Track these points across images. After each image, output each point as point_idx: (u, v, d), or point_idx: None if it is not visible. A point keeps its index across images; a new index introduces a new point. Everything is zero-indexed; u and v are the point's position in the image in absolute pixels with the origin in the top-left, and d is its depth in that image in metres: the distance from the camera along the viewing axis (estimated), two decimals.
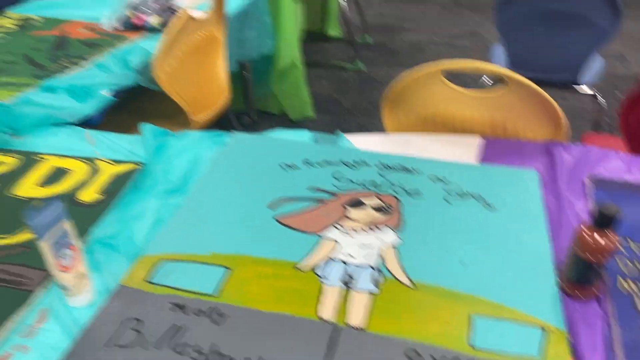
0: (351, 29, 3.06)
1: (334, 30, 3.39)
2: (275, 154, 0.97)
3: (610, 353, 0.62)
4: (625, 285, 0.70)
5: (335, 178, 0.91)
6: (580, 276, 0.68)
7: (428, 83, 1.04)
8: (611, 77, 2.83)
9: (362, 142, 1.04)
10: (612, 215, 0.63)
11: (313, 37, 3.36)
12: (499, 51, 1.89)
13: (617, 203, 0.84)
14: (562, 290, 0.70)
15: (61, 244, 0.64)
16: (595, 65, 1.83)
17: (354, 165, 0.94)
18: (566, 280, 0.69)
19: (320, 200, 0.86)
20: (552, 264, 0.73)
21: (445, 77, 1.07)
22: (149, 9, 1.58)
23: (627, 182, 0.90)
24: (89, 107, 1.14)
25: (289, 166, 0.94)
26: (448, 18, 3.86)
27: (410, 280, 0.71)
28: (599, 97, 1.88)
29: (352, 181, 0.90)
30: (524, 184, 0.89)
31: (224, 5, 1.51)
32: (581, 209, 0.85)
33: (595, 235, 0.65)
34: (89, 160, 0.96)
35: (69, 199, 0.86)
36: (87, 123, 1.13)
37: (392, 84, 1.09)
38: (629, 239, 0.77)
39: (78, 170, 0.93)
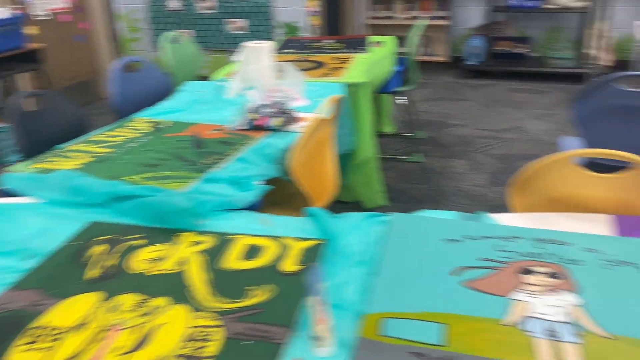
0: (407, 125, 3.30)
1: (388, 127, 3.66)
2: (436, 230, 1.11)
3: None
4: None
5: (497, 250, 1.04)
6: None
7: (558, 168, 1.20)
8: None
9: (503, 219, 1.18)
10: None
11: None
12: (573, 142, 2.07)
13: None
14: None
15: (320, 301, 0.77)
16: None
17: (510, 239, 1.07)
18: None
19: (493, 269, 0.98)
20: None
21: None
22: (268, 112, 1.81)
23: None
24: (251, 195, 1.31)
25: (453, 240, 1.08)
26: (487, 114, 4.14)
27: (606, 332, 0.81)
28: None
29: (514, 252, 1.03)
30: None
31: (339, 108, 1.73)
32: None
33: None
34: (275, 238, 1.11)
35: (272, 269, 1.00)
36: (249, 209, 1.30)
37: (520, 171, 1.25)
38: None
39: (270, 246, 1.08)
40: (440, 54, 5.46)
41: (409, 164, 3.25)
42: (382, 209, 2.66)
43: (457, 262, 1.00)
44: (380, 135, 3.61)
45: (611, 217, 1.16)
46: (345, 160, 2.53)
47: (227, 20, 4.58)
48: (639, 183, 1.15)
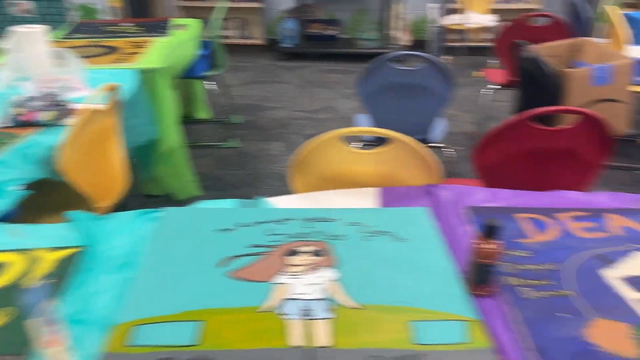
0: (218, 111, 3.24)
1: (202, 112, 3.55)
2: (209, 221, 1.07)
3: (510, 330, 0.82)
4: (510, 280, 0.92)
5: (268, 235, 1.04)
6: (481, 278, 0.88)
7: (328, 148, 1.24)
8: (450, 134, 3.34)
9: (280, 202, 1.19)
10: (495, 227, 0.86)
11: (183, 121, 3.48)
12: (363, 119, 2.20)
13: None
14: (471, 292, 0.90)
15: (47, 321, 0.68)
16: (439, 125, 2.22)
17: (281, 222, 1.08)
18: (471, 283, 0.90)
19: (260, 254, 0.98)
20: (457, 274, 0.93)
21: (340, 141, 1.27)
22: (37, 105, 1.60)
23: (495, 207, 1.16)
24: (2, 204, 1.14)
25: (226, 230, 1.05)
26: (302, 96, 4.25)
27: (357, 302, 0.85)
28: (446, 150, 2.26)
29: (283, 235, 1.04)
30: (420, 218, 1.11)
31: (118, 96, 1.60)
32: (466, 231, 1.08)
33: (486, 244, 0.87)
34: (24, 251, 0.97)
35: (14, 289, 0.87)
36: (3, 219, 1.13)
37: (296, 152, 1.27)
38: (506, 249, 1.01)
39: (16, 262, 0.94)
40: (256, 37, 5.45)
41: (225, 150, 3.20)
42: (195, 199, 2.57)
43: (227, 253, 0.98)
44: (194, 122, 3.50)
45: (377, 189, 1.24)
46: (148, 151, 2.38)
47: (10, 2, 4.02)
48: (397, 155, 1.24)
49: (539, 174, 1.45)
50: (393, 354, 0.76)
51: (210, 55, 3.10)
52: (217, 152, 3.17)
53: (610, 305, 0.86)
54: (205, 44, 3.02)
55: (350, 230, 1.06)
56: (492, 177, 1.45)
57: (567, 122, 1.44)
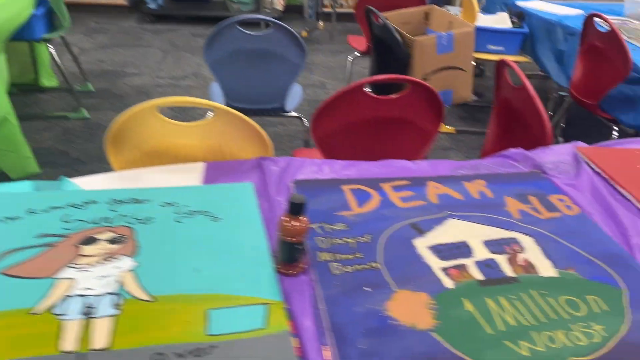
0: (68, 78, 2.94)
1: (48, 80, 3.20)
2: None
3: (316, 309, 0.79)
4: (323, 257, 0.89)
5: (65, 221, 0.92)
6: (288, 256, 0.84)
7: (145, 119, 1.13)
8: (316, 102, 3.33)
9: (90, 183, 1.06)
10: (299, 203, 0.81)
11: (26, 89, 3.12)
12: (217, 87, 2.09)
13: (313, 197, 1.06)
14: (278, 271, 0.86)
15: None
16: (296, 93, 2.17)
17: (82, 206, 0.96)
18: (279, 262, 0.85)
19: (49, 245, 0.86)
20: (269, 254, 0.88)
21: (169, 113, 1.16)
22: None
23: (321, 180, 1.13)
24: None
25: (11, 218, 0.91)
26: (167, 61, 4.00)
27: (150, 295, 0.77)
28: (303, 119, 2.23)
29: (82, 221, 0.92)
30: (242, 195, 1.04)
31: None
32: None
33: (292, 221, 0.83)
34: None
35: None
36: None
37: (111, 125, 1.14)
38: (323, 223, 0.98)
39: None
40: None
41: (74, 122, 2.91)
42: (34, 178, 2.32)
43: (8, 246, 0.85)
44: (39, 90, 3.15)
45: (203, 164, 1.16)
46: None
47: None
48: (224, 128, 1.16)
49: (377, 143, 1.45)
50: (181, 349, 0.69)
51: (48, 14, 2.76)
52: (63, 123, 2.87)
53: (416, 275, 0.86)
54: (41, 1, 2.68)
55: (162, 212, 0.97)
56: (331, 148, 1.43)
57: (402, 91, 1.45)
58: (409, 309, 0.80)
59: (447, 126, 3.17)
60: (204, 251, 0.88)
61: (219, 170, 1.14)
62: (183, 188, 1.05)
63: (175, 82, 3.61)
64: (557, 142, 3.11)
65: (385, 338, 0.74)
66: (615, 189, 1.17)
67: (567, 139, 3.16)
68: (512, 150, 1.30)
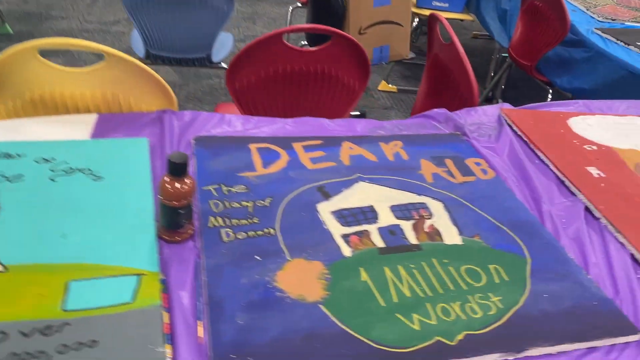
0: None
1: None
2: None
3: (197, 280, 0.72)
4: (215, 222, 0.82)
5: None
6: (170, 222, 0.76)
7: (26, 63, 1.00)
8: None
9: None
10: (179, 163, 0.73)
11: None
12: (137, 34, 1.93)
13: (215, 156, 0.97)
14: (161, 238, 0.77)
15: None
16: (224, 43, 2.04)
17: None
18: (162, 228, 0.77)
19: None
20: (153, 218, 0.80)
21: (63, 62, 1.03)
22: None
23: (224, 137, 1.04)
24: None
25: None
26: (97, 4, 3.72)
27: (1, 264, 0.68)
28: None
29: None
30: (133, 152, 0.94)
31: None
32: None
33: (175, 183, 0.74)
34: None
35: None
36: None
37: None
38: (222, 185, 0.90)
39: None
40: None
41: None
42: None
43: None
44: None
45: (94, 116, 1.04)
46: None
47: None
48: (120, 76, 1.05)
49: (299, 99, 1.37)
50: (28, 326, 0.61)
51: None
52: None
53: (313, 242, 0.80)
54: None
55: (36, 169, 0.86)
56: (249, 102, 1.33)
57: (325, 44, 1.36)
58: (300, 279, 0.73)
59: (388, 84, 3.10)
60: (78, 215, 0.78)
61: (112, 123, 1.03)
62: (65, 142, 0.94)
63: (105, 28, 3.36)
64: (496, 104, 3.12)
65: (268, 312, 0.68)
66: (534, 153, 1.14)
67: (506, 101, 3.17)
68: (435, 111, 1.25)
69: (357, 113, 2.76)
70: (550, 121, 1.24)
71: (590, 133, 1.23)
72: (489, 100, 3.13)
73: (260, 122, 1.13)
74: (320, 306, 0.70)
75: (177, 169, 0.73)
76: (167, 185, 0.74)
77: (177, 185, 0.74)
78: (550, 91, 2.40)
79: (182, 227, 0.77)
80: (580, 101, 1.42)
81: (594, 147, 1.17)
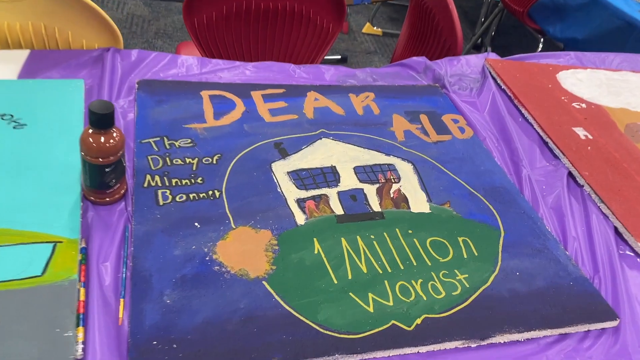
0: None
1: None
2: None
3: (124, 250, 0.63)
4: (151, 181, 0.72)
5: None
6: (96, 181, 0.66)
7: None
8: None
9: None
10: (102, 114, 0.62)
11: None
12: None
13: (160, 103, 0.86)
14: (87, 199, 0.68)
15: None
16: None
17: None
18: (87, 188, 0.67)
19: None
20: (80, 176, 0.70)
21: None
22: None
23: (173, 81, 0.92)
24: None
25: None
26: None
27: None
28: None
29: None
30: (65, 95, 0.83)
31: None
32: (126, 111, 0.84)
33: (101, 137, 0.63)
34: None
35: None
36: None
37: None
38: (165, 137, 0.79)
39: None
40: None
41: None
42: None
43: None
44: None
45: (26, 52, 0.91)
46: None
47: None
48: (53, 6, 0.91)
49: (266, 41, 1.24)
50: None
51: None
52: None
53: (263, 208, 0.71)
54: None
55: None
56: (209, 42, 1.20)
57: None
58: (243, 251, 0.65)
59: (373, 27, 2.94)
60: None
61: (46, 61, 0.90)
62: None
63: None
64: (484, 52, 2.99)
65: (202, 290, 0.59)
66: (518, 110, 1.04)
67: (495, 49, 3.04)
68: (414, 59, 1.13)
69: (338, 57, 2.62)
70: (538, 74, 1.14)
71: (580, 89, 1.13)
72: (477, 48, 2.99)
73: (218, 65, 1.01)
74: (264, 283, 0.61)
75: (100, 121, 0.62)
76: (89, 139, 0.63)
77: (102, 139, 0.63)
78: (542, 40, 2.27)
79: (110, 187, 0.67)
80: (572, 53, 1.31)
81: (583, 105, 1.08)
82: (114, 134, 0.64)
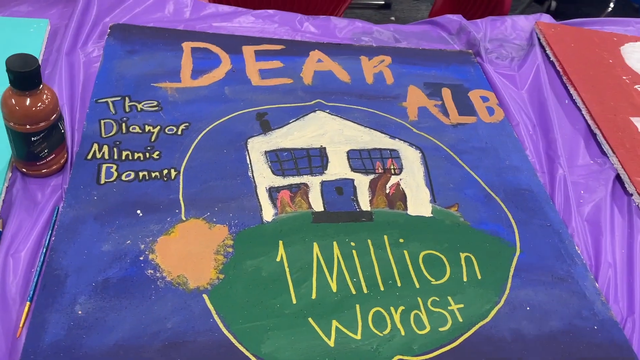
0: None
1: None
2: None
3: (45, 235, 0.52)
4: (97, 152, 0.60)
5: None
6: (24, 151, 0.55)
7: None
8: None
9: None
10: (23, 72, 0.50)
11: None
12: None
13: (130, 55, 0.73)
14: (19, 170, 0.57)
15: None
16: None
17: None
18: (15, 157, 0.57)
19: None
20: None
21: None
22: None
23: (151, 28, 0.79)
24: None
25: None
26: None
27: None
28: None
29: None
30: (23, 36, 0.71)
31: None
32: (91, 61, 0.72)
33: (26, 99, 0.52)
34: None
35: None
36: None
37: None
38: (127, 97, 0.67)
39: None
40: None
41: None
42: None
43: None
44: None
45: None
46: None
47: None
48: None
49: None
50: None
51: None
52: None
53: (225, 196, 0.59)
54: None
55: None
56: None
57: None
58: (188, 252, 0.53)
59: None
60: None
61: None
62: None
63: None
64: (547, 10, 2.67)
65: (125, 300, 0.48)
66: (566, 89, 0.86)
67: (561, 5, 2.72)
68: (449, 17, 0.95)
69: (381, 2, 2.39)
70: (598, 45, 0.94)
71: None
72: (540, 2, 2.69)
73: (213, 10, 0.87)
74: (204, 297, 0.50)
75: (20, 80, 0.50)
76: (11, 101, 0.52)
77: (28, 102, 0.52)
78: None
79: (42, 158, 0.56)
80: None
81: None
82: (44, 96, 0.53)
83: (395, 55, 0.84)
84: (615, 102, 0.83)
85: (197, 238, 0.55)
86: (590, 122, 0.80)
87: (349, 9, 2.35)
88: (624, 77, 0.88)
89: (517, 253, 0.60)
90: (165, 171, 0.60)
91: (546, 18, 1.01)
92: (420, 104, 0.77)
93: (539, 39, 0.94)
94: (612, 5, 1.97)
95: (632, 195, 0.70)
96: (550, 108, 0.81)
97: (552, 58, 0.90)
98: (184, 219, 0.56)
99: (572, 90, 0.85)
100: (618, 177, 0.73)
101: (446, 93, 0.79)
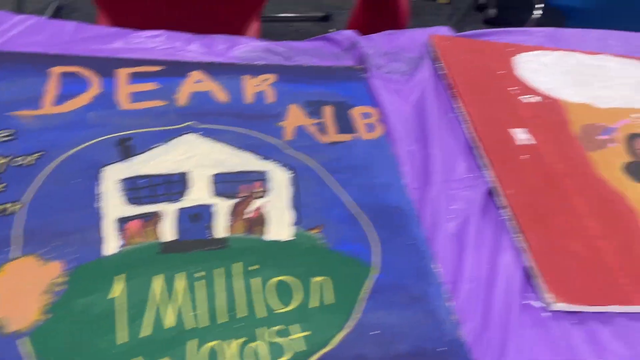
0: None
1: None
2: None
3: None
4: None
5: None
6: None
7: None
8: None
9: None
10: None
11: None
12: None
13: None
14: None
15: None
16: None
17: None
18: None
19: None
20: None
21: None
22: None
23: (18, 53, 0.76)
24: None
25: None
26: None
27: None
28: None
29: None
30: None
31: None
32: None
33: None
34: None
35: None
36: None
37: None
38: None
39: None
40: None
41: None
42: None
43: None
44: None
45: None
46: None
47: None
48: None
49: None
50: None
51: None
52: None
53: (68, 229, 0.57)
54: None
55: None
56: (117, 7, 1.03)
57: None
58: (15, 291, 0.51)
59: None
60: None
61: None
62: None
63: None
64: (486, 15, 2.72)
65: None
66: (452, 100, 0.87)
67: (501, 11, 2.77)
68: (343, 32, 0.95)
69: (321, 15, 2.40)
70: (489, 56, 0.95)
71: (540, 77, 0.94)
72: (480, 9, 2.74)
73: (97, 33, 0.85)
74: (24, 340, 0.48)
75: None
76: None
77: None
78: (542, 6, 2.02)
79: None
80: (547, 29, 1.11)
81: (538, 99, 0.89)
82: None
83: (283, 72, 0.83)
84: (498, 113, 0.83)
85: (27, 276, 0.52)
86: (470, 135, 0.80)
87: (288, 21, 2.35)
88: (511, 88, 0.89)
89: (374, 274, 0.59)
90: (9, 205, 0.58)
91: (444, 31, 1.01)
92: (298, 123, 0.76)
93: (432, 51, 0.94)
94: (534, 12, 2.01)
95: (503, 208, 0.70)
96: (432, 122, 0.81)
97: (442, 71, 0.91)
98: (19, 255, 0.54)
99: (457, 104, 0.85)
100: (492, 191, 0.73)
101: (328, 111, 0.79)
